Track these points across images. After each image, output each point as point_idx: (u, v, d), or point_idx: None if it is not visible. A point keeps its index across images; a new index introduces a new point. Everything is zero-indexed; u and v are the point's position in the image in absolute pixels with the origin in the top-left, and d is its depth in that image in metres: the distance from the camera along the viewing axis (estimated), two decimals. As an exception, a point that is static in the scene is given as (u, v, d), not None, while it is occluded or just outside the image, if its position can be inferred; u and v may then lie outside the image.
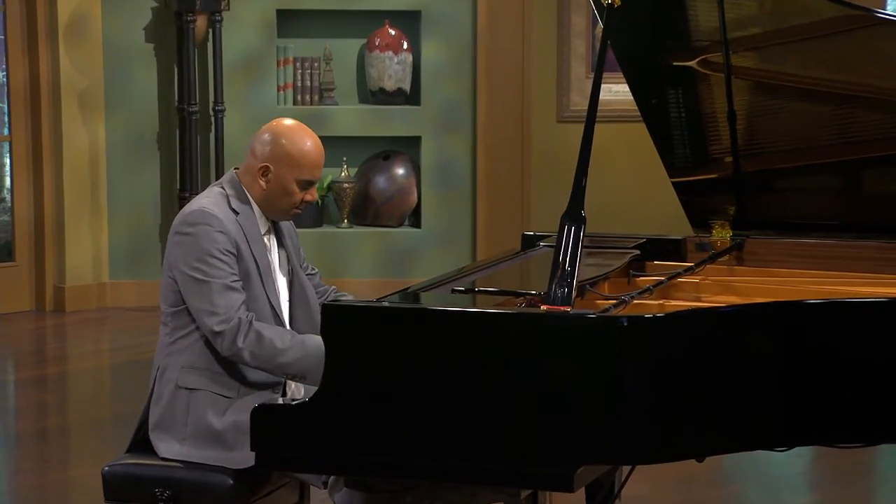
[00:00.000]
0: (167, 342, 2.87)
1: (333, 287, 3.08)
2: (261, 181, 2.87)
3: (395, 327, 2.55)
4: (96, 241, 6.38)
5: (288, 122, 2.91)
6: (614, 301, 2.74)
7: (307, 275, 3.02)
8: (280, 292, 2.92)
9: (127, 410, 4.33)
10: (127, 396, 4.94)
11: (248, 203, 2.89)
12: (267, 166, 2.86)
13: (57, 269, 6.32)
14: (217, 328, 2.77)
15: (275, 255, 2.94)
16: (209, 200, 2.85)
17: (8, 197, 6.38)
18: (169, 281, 2.84)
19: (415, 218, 6.63)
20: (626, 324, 2.48)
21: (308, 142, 2.87)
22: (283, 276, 2.94)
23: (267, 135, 2.88)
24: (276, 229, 2.96)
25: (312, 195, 2.89)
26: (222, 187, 2.90)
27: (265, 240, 2.92)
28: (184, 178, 6.30)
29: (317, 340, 2.76)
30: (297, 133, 2.87)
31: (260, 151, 2.87)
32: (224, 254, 2.80)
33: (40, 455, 4.44)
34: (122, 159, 6.39)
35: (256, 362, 2.79)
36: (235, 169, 2.94)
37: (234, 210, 2.86)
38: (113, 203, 6.39)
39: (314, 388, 2.62)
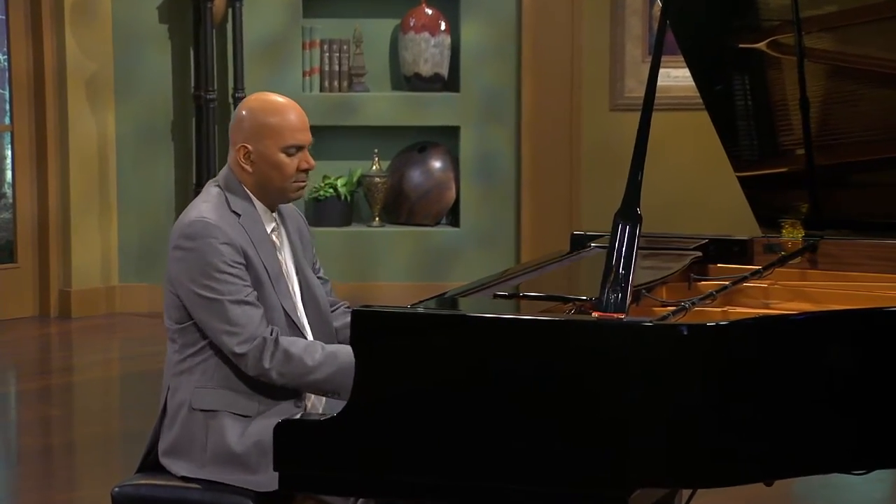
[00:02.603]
0: (176, 360, 2.87)
1: (345, 302, 3.08)
2: (245, 165, 2.87)
3: (430, 336, 2.56)
4: (105, 240, 6.43)
5: (257, 95, 2.92)
6: (673, 308, 2.73)
7: (318, 277, 3.02)
8: (295, 296, 2.93)
9: (138, 425, 4.36)
10: (138, 410, 4.97)
11: (249, 199, 2.89)
12: (245, 146, 2.86)
13: (62, 271, 6.38)
14: (239, 349, 2.78)
15: (286, 254, 2.94)
16: (207, 206, 2.84)
17: (9, 192, 6.45)
18: (172, 297, 2.85)
19: (453, 216, 6.64)
20: (685, 332, 2.47)
21: (281, 105, 2.86)
22: (295, 276, 2.95)
23: (239, 113, 2.89)
24: (283, 224, 2.96)
25: (307, 161, 2.87)
26: (219, 186, 2.90)
27: (273, 238, 2.92)
28: (200, 172, 6.34)
29: (348, 353, 2.76)
30: (266, 101, 2.87)
31: (237, 136, 2.87)
32: (232, 266, 2.80)
33: (44, 474, 4.48)
34: (133, 151, 6.44)
35: (285, 381, 2.80)
36: (227, 163, 2.94)
37: (235, 212, 2.86)
38: (123, 199, 6.44)
39: (339, 403, 2.64)
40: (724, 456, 2.45)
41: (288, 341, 2.80)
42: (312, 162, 2.90)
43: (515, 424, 2.48)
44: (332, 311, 3.02)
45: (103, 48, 6.34)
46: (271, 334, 2.79)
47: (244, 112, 2.89)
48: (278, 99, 2.89)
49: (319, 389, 2.82)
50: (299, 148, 2.87)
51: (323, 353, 2.79)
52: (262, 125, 2.86)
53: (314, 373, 2.78)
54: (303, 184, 2.90)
